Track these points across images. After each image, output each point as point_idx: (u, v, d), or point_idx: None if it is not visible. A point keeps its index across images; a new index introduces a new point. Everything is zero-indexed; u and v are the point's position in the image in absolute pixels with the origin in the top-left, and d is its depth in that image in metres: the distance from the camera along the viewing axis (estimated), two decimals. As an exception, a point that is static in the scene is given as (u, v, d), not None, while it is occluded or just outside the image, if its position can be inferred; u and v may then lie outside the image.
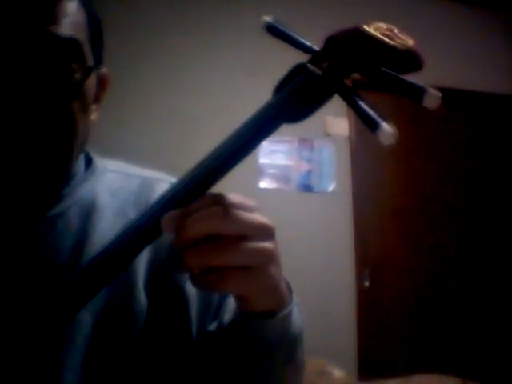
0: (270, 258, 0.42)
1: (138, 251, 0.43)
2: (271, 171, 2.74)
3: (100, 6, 0.62)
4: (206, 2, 2.73)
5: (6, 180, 0.53)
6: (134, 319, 0.58)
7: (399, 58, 0.39)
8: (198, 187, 0.42)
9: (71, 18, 0.52)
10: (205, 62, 2.68)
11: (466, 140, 3.14)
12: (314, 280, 2.62)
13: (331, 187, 2.82)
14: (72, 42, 0.51)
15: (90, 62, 0.55)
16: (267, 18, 0.47)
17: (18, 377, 0.50)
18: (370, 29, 0.40)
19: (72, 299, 0.42)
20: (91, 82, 0.56)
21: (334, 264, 2.74)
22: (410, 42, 0.39)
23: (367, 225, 2.86)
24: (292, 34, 0.46)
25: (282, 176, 2.76)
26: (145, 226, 0.42)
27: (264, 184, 2.72)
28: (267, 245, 0.42)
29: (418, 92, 0.36)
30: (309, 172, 2.80)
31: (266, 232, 0.42)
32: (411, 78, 0.38)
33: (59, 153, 0.53)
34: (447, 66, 2.89)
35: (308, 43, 0.45)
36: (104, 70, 0.62)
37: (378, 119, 0.36)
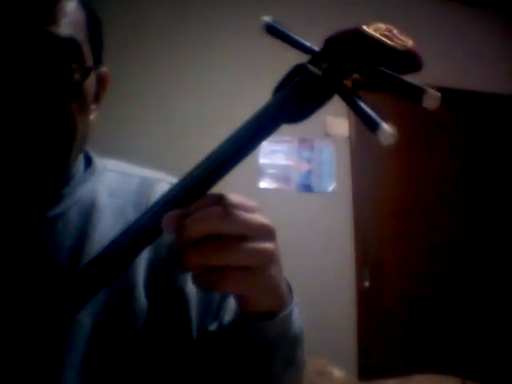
0: (270, 258, 0.42)
1: (138, 251, 0.43)
2: (271, 171, 2.74)
3: (100, 5, 0.61)
4: (206, 2, 2.73)
5: (6, 180, 0.53)
6: (134, 320, 0.58)
7: (399, 58, 0.39)
8: (199, 187, 0.42)
9: (70, 18, 0.52)
10: (205, 62, 2.68)
11: (465, 140, 3.14)
12: (314, 280, 2.61)
13: (331, 187, 2.82)
14: (71, 42, 0.51)
15: (90, 61, 0.55)
16: (267, 19, 0.47)
17: (18, 377, 0.50)
18: (369, 29, 0.40)
19: (72, 300, 0.42)
20: (90, 82, 0.56)
21: (333, 264, 2.74)
22: (410, 43, 0.39)
23: (367, 225, 2.86)
24: (292, 34, 0.46)
25: (282, 176, 2.76)
26: (145, 226, 0.42)
27: (264, 184, 2.72)
28: (268, 245, 0.42)
29: (418, 92, 0.36)
30: (309, 172, 2.80)
31: (267, 232, 0.42)
32: (411, 78, 0.38)
33: (58, 153, 0.53)
34: (447, 65, 2.89)
35: (308, 43, 0.45)
36: (104, 69, 0.62)
37: (378, 119, 0.36)
